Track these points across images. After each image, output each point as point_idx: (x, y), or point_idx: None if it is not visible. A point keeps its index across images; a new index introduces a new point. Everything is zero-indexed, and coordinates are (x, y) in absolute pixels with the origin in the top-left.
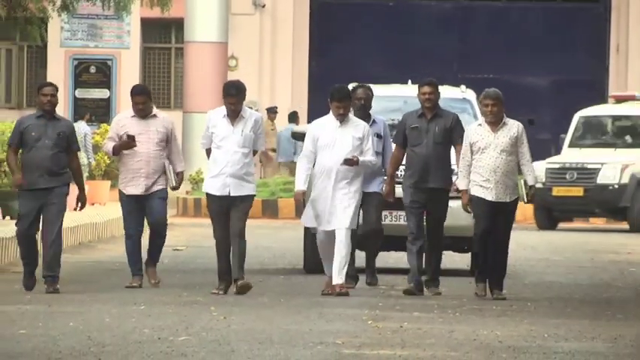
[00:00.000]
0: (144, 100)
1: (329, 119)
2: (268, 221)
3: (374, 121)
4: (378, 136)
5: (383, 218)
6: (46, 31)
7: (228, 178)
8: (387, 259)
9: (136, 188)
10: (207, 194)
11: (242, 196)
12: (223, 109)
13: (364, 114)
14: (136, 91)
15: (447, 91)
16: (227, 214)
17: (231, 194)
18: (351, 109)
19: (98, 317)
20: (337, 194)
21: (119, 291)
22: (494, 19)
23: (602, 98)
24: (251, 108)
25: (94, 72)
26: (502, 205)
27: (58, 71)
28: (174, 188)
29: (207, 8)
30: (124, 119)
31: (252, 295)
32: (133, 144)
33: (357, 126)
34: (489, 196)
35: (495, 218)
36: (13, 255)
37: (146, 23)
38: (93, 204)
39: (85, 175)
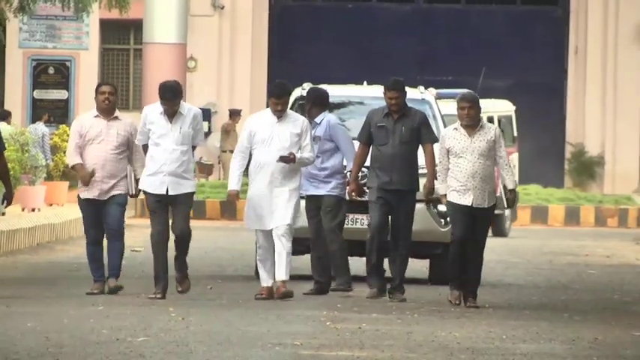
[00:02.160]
0: (110, 90)
1: (266, 114)
2: (227, 222)
3: (315, 123)
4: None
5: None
6: (4, 32)
7: (167, 176)
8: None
9: (89, 192)
10: (145, 192)
11: (181, 195)
12: (160, 106)
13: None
14: (103, 82)
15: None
16: (166, 209)
17: (170, 193)
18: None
19: (56, 318)
20: (274, 192)
21: (77, 292)
22: (453, 22)
23: (561, 100)
24: (210, 109)
25: (52, 73)
26: (479, 211)
27: (16, 72)
28: (133, 196)
29: (166, 9)
30: (86, 119)
31: (210, 296)
32: (89, 178)
33: (295, 121)
34: (467, 201)
35: (472, 223)
36: None
37: (105, 24)
38: (51, 205)
39: (43, 176)
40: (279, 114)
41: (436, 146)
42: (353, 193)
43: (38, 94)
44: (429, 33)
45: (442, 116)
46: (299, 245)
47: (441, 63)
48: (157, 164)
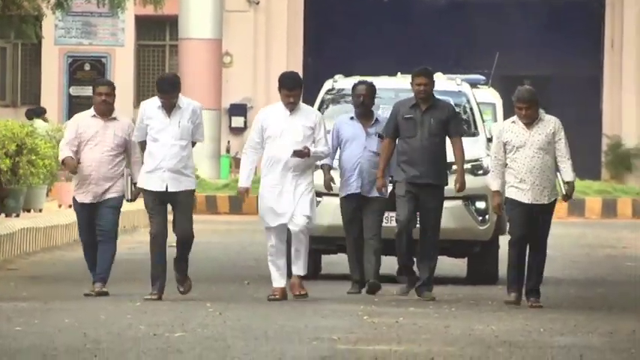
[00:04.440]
0: (108, 91)
1: (278, 107)
2: None
3: (377, 120)
4: (380, 136)
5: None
6: (41, 28)
7: (166, 172)
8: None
9: (85, 196)
10: (144, 190)
11: (181, 192)
12: (158, 100)
13: (365, 111)
14: (101, 82)
15: (442, 84)
16: (164, 208)
17: (169, 190)
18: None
19: (94, 314)
20: (288, 187)
21: (114, 288)
22: (489, 15)
23: (597, 93)
24: (246, 105)
25: (88, 69)
26: (539, 207)
27: (52, 69)
28: (130, 200)
29: (201, 5)
30: (84, 118)
31: (247, 291)
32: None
33: (308, 115)
34: (525, 198)
35: (532, 221)
36: (9, 252)
37: (140, 20)
38: None
39: None
40: (292, 106)
41: (484, 139)
42: (383, 189)
43: (74, 90)
44: (467, 25)
45: (479, 107)
46: (329, 244)
47: (478, 55)
48: (156, 160)
